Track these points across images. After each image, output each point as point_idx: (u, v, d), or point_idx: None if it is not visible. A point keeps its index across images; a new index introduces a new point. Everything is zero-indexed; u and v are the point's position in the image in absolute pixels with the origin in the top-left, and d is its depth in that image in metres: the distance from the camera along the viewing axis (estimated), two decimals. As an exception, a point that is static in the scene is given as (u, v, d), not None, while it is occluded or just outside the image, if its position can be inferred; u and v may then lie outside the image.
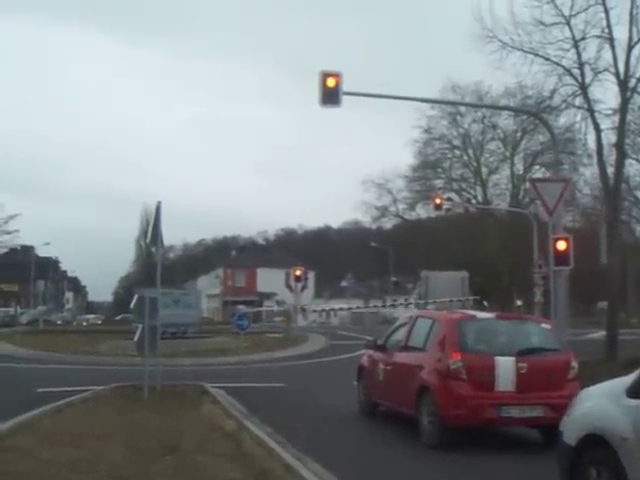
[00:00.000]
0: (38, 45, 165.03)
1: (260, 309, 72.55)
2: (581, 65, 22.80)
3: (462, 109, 54.24)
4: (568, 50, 22.93)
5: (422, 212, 60.72)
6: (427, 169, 57.96)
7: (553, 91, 23.78)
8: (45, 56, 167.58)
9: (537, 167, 51.95)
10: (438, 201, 39.80)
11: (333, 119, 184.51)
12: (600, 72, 22.79)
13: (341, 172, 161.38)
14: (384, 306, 79.71)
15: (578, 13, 22.51)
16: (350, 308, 72.35)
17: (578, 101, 23.46)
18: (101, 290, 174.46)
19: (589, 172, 37.83)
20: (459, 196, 56.01)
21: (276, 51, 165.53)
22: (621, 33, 22.15)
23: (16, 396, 14.95)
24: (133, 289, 26.96)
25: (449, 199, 48.79)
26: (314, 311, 70.38)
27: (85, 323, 79.00)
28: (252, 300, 74.22)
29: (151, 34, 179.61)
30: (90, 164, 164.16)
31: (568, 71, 23.16)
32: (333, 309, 72.18)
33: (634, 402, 5.62)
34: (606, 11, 22.13)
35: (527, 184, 46.58)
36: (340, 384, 17.24)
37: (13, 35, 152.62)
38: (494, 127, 54.03)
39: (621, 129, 22.94)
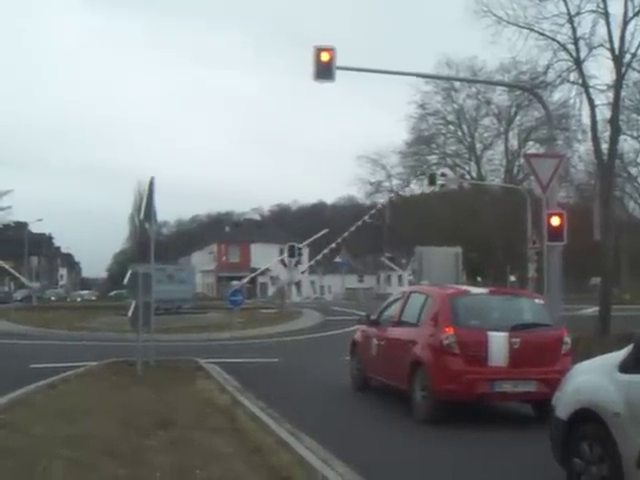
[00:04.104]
0: (17, 12, 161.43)
1: (254, 274, 72.68)
2: (576, 40, 22.70)
3: (457, 84, 54.12)
4: (563, 25, 22.86)
5: (416, 188, 60.82)
6: (421, 145, 57.91)
7: (548, 66, 23.74)
8: (25, 26, 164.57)
9: (531, 143, 51.93)
10: (432, 177, 39.71)
11: (328, 93, 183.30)
12: (595, 47, 22.74)
13: (335, 148, 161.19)
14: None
15: (573, -13, 22.40)
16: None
17: (573, 77, 23.43)
18: (95, 266, 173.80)
19: (583, 148, 37.76)
20: (453, 172, 55.97)
21: (268, 20, 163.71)
22: (616, 8, 22.08)
23: (10, 372, 14.96)
24: (127, 265, 26.90)
25: (443, 175, 48.64)
26: (302, 272, 71.15)
27: (79, 299, 79.04)
28: (244, 275, 74.19)
29: (132, 2, 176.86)
30: (82, 139, 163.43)
31: (563, 46, 23.07)
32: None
33: (626, 377, 5.64)
34: (601, -14, 22.01)
35: (521, 160, 46.57)
36: (334, 359, 17.28)
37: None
38: (488, 102, 53.96)
39: (615, 105, 22.86)
